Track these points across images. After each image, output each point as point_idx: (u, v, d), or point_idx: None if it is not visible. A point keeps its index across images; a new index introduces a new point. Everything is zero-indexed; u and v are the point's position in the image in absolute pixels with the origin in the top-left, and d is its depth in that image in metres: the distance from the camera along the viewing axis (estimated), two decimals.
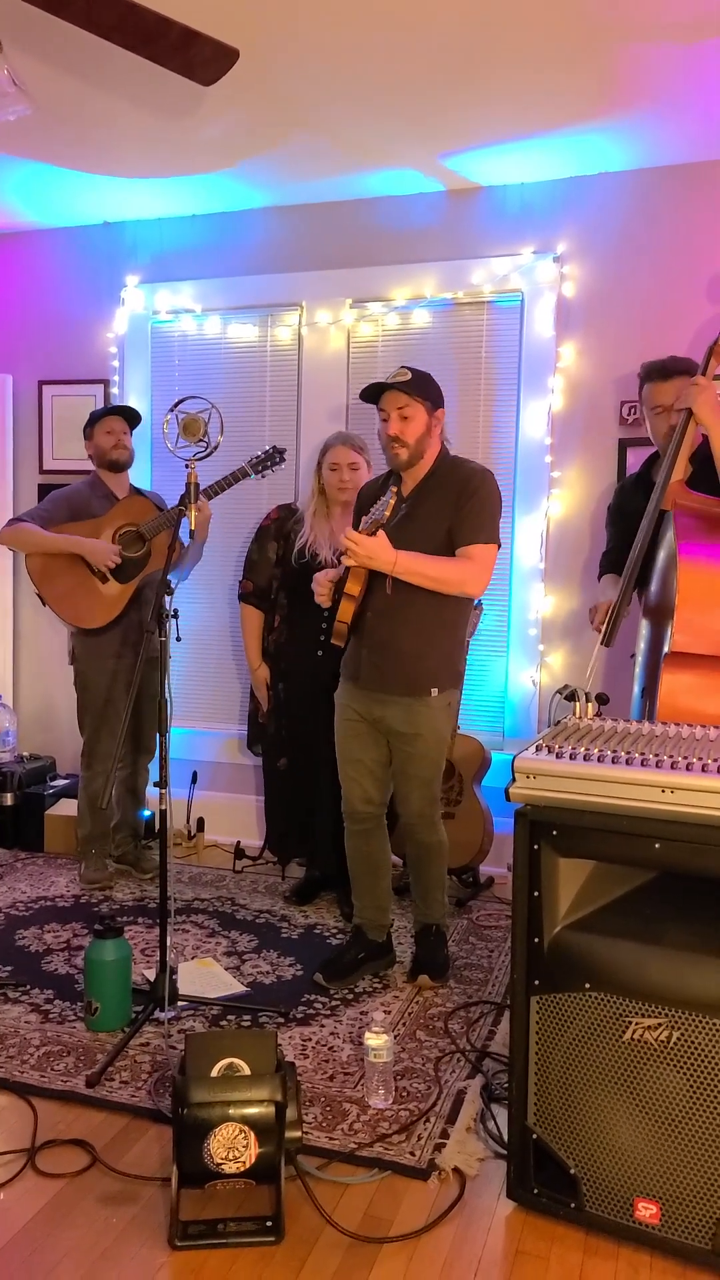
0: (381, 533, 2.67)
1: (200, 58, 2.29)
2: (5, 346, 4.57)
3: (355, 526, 2.74)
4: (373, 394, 2.80)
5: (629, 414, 3.65)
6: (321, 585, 2.84)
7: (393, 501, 2.72)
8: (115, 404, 4.10)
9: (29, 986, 2.88)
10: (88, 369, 4.44)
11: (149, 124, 3.35)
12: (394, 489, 2.73)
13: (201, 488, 3.29)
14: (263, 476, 3.62)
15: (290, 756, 3.64)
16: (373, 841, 3.00)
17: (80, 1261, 1.83)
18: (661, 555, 2.87)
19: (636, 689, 3.05)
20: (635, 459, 3.61)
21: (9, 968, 2.99)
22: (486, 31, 2.73)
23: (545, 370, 3.77)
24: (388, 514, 2.67)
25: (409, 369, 2.78)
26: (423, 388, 2.76)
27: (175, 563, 3.58)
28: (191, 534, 2.82)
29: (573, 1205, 1.91)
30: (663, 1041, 1.80)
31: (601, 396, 3.72)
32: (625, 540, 3.13)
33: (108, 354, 4.41)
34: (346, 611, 2.76)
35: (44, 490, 4.45)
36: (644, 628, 3.02)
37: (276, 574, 3.64)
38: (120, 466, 3.74)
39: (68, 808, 4.10)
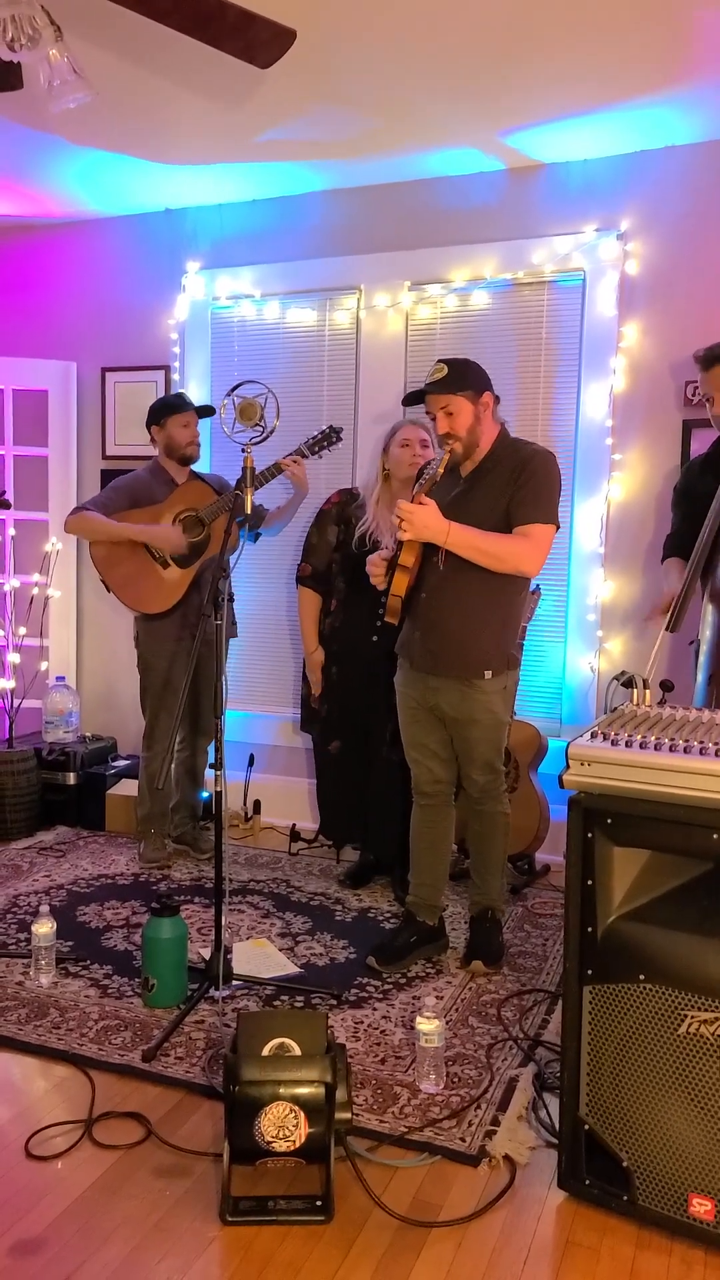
0: (433, 503, 2.66)
1: (258, 40, 2.29)
2: (69, 334, 4.63)
3: (412, 498, 2.73)
4: (416, 398, 2.78)
5: (693, 394, 3.56)
6: (376, 566, 2.83)
7: (446, 458, 2.70)
8: (179, 393, 4.11)
9: (89, 961, 2.94)
10: (149, 355, 4.48)
11: (208, 109, 3.36)
12: (447, 447, 2.71)
13: (258, 470, 3.31)
14: (319, 457, 3.62)
15: (343, 740, 3.64)
16: (439, 819, 3.00)
17: (134, 1232, 1.86)
18: None
19: (701, 677, 2.99)
20: (699, 441, 3.52)
21: (70, 943, 3.05)
22: (548, 2, 2.67)
23: (607, 350, 3.70)
24: (441, 470, 2.66)
25: (445, 362, 2.74)
26: (461, 380, 2.72)
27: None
28: (255, 514, 2.82)
29: (625, 1198, 1.88)
30: (719, 1035, 1.76)
31: (665, 377, 3.63)
32: (692, 523, 3.05)
33: (169, 340, 4.44)
34: (400, 585, 2.75)
35: (106, 475, 4.50)
36: (710, 614, 2.95)
37: (336, 558, 3.63)
38: (190, 461, 3.77)
39: (128, 787, 4.17)
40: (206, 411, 3.76)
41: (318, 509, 3.73)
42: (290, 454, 3.56)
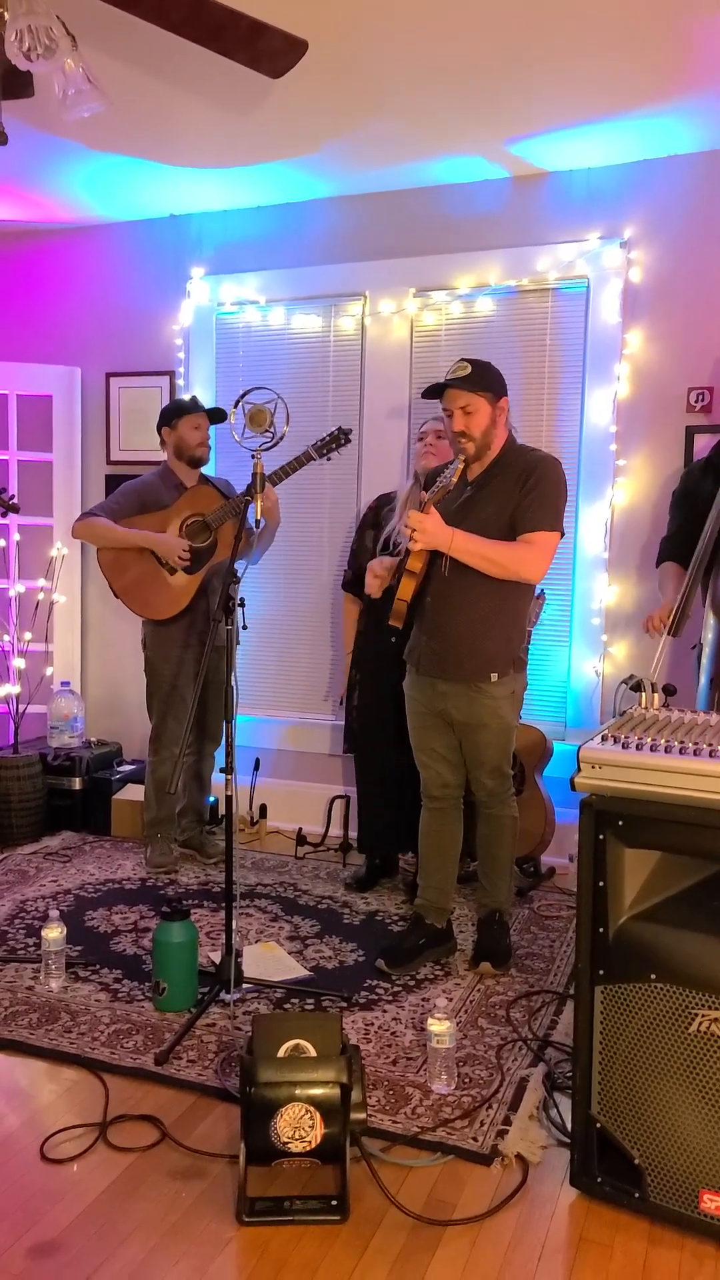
0: (435, 512, 2.69)
1: (269, 50, 2.31)
2: (74, 340, 4.65)
3: (420, 504, 2.75)
4: (435, 391, 2.80)
5: (696, 400, 3.59)
6: (377, 574, 2.85)
7: (460, 468, 2.73)
8: (189, 396, 4.11)
9: (98, 966, 2.95)
10: (154, 361, 4.51)
11: (217, 116, 3.38)
12: (462, 459, 2.75)
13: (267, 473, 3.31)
14: (328, 459, 3.61)
15: (359, 748, 3.61)
16: (447, 822, 3.02)
17: (150, 1234, 1.88)
18: None
19: (704, 680, 3.01)
20: (703, 446, 3.55)
21: (79, 947, 3.07)
22: (552, 12, 2.70)
23: (611, 357, 3.73)
24: (454, 479, 2.69)
25: (468, 361, 2.77)
26: (483, 380, 2.75)
27: (244, 550, 3.60)
28: (257, 522, 2.85)
29: (637, 1195, 1.90)
30: None
31: (668, 383, 3.66)
32: (689, 526, 3.08)
33: (174, 346, 4.47)
34: (407, 590, 2.78)
35: (111, 480, 4.52)
36: (711, 618, 2.98)
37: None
38: (200, 464, 3.78)
39: (134, 792, 4.19)
40: (218, 415, 3.78)
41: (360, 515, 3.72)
42: (299, 455, 3.55)
